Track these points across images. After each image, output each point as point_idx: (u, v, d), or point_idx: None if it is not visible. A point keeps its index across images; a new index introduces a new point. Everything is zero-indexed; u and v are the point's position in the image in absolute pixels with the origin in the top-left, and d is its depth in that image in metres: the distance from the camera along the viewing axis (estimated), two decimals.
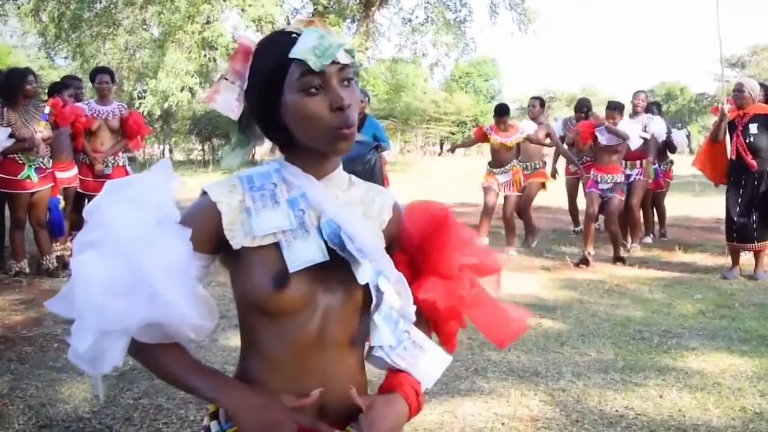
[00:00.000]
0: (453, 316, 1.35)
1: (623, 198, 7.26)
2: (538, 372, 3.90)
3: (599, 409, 3.39)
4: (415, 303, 1.28)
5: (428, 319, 1.35)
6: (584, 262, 7.19)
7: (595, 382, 3.75)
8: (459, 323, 1.38)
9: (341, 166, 1.28)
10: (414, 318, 1.28)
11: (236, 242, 1.18)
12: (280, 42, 1.17)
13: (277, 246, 1.17)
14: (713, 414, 3.34)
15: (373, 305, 1.21)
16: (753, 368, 3.98)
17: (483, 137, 8.08)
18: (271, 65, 1.17)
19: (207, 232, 1.19)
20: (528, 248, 8.26)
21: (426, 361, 1.29)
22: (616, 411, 3.37)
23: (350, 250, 1.17)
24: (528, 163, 8.34)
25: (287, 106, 1.17)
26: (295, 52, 1.14)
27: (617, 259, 7.29)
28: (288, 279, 1.15)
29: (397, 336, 1.25)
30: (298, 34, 1.16)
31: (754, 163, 6.33)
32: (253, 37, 1.23)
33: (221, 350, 4.08)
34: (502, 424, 3.21)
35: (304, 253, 1.17)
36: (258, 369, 1.23)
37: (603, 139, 7.22)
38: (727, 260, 6.83)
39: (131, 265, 1.08)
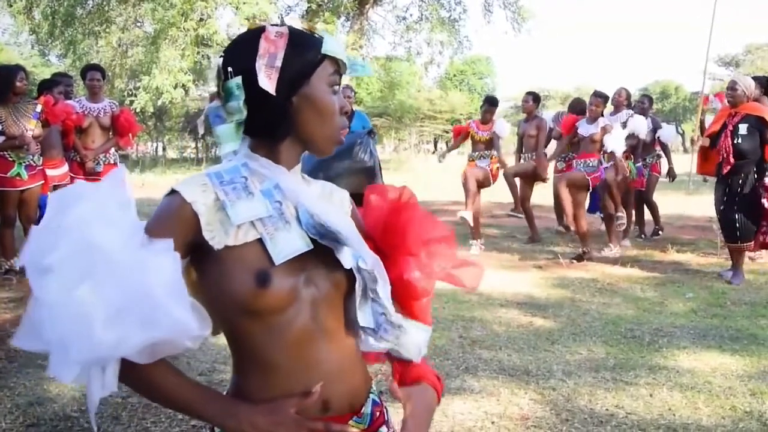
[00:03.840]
0: (428, 293, 1.36)
1: (604, 177, 7.35)
2: (528, 371, 3.90)
3: (589, 408, 3.38)
4: (392, 284, 1.30)
5: (400, 299, 1.34)
6: (578, 258, 7.38)
7: (586, 380, 3.75)
8: (429, 294, 1.39)
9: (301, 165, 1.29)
10: (390, 299, 1.30)
11: (217, 242, 1.15)
12: (311, 36, 1.21)
13: (259, 242, 1.16)
14: (703, 413, 3.34)
15: (357, 286, 1.21)
16: (744, 367, 3.99)
17: (466, 134, 8.44)
18: (310, 56, 1.19)
19: (183, 235, 1.13)
20: (530, 244, 8.48)
21: (408, 338, 1.32)
22: (607, 410, 3.37)
23: (332, 236, 1.18)
24: (524, 156, 8.53)
25: (309, 97, 1.19)
26: (334, 51, 1.21)
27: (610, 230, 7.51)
28: (271, 275, 1.14)
29: (375, 318, 1.27)
30: (320, 35, 1.21)
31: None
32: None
33: (210, 349, 4.06)
34: (492, 422, 3.21)
35: (288, 244, 1.17)
36: (256, 377, 1.20)
37: (582, 130, 7.54)
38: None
39: (129, 291, 1.01)
